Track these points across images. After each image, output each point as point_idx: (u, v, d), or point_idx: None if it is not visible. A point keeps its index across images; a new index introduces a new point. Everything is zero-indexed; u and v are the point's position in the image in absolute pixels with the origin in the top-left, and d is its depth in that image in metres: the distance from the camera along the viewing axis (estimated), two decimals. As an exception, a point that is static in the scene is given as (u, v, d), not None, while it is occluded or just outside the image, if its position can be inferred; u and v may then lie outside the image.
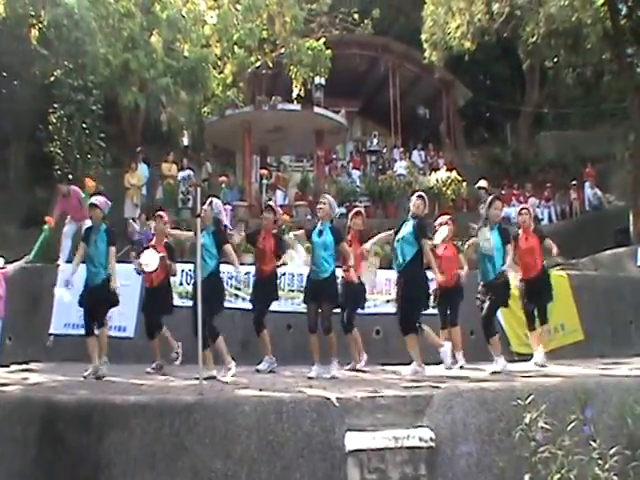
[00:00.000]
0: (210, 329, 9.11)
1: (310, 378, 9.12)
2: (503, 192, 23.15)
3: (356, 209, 11.28)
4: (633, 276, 15.70)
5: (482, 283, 9.73)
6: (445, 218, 11.21)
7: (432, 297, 10.21)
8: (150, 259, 10.08)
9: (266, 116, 21.04)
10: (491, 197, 10.13)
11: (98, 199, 9.94)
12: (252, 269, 12.02)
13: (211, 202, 9.79)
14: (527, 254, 10.73)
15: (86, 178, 16.35)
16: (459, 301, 10.86)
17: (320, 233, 9.71)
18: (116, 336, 11.80)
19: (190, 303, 10.09)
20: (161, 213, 10.90)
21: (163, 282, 10.48)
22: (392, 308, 11.11)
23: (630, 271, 16.38)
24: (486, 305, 9.47)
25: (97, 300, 9.52)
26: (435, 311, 10.74)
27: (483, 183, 16.62)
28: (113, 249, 9.68)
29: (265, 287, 10.57)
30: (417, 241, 9.29)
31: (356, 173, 24.55)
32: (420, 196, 9.77)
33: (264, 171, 20.91)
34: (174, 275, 10.87)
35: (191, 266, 10.46)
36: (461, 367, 10.47)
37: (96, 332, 9.52)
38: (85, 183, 15.82)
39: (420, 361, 9.35)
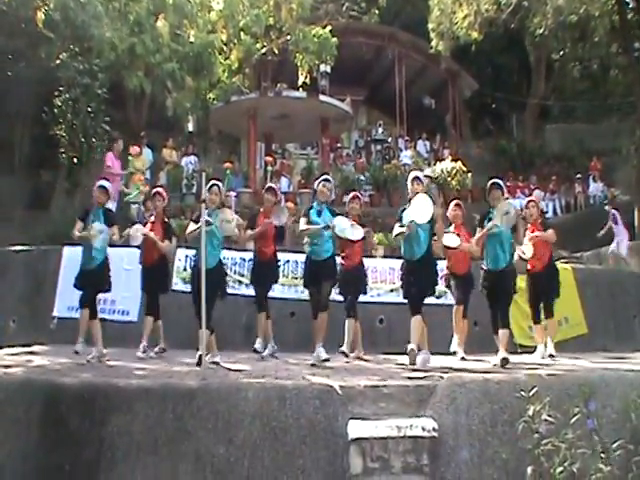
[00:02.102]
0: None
1: (313, 365, 9.11)
2: (508, 184, 23.07)
3: (352, 193, 11.10)
4: (637, 271, 15.68)
5: (490, 269, 9.49)
6: (453, 203, 11.15)
7: (441, 284, 10.17)
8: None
9: (271, 103, 20.97)
10: (490, 184, 9.85)
11: (110, 186, 9.92)
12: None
13: (215, 185, 9.64)
14: (536, 247, 10.62)
15: (131, 146, 16.82)
16: (471, 289, 10.65)
17: (319, 213, 9.69)
18: (119, 320, 11.86)
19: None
20: (160, 190, 10.80)
21: (158, 261, 10.40)
22: (396, 297, 11.10)
23: (634, 266, 16.37)
24: (502, 302, 9.38)
25: (91, 285, 9.50)
26: (441, 301, 10.67)
27: (428, 171, 16.54)
28: (115, 228, 9.59)
29: (265, 269, 10.47)
30: (431, 226, 9.12)
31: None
32: (415, 178, 9.48)
33: (269, 158, 20.87)
34: (174, 249, 10.74)
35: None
36: (462, 359, 10.40)
37: (76, 314, 9.54)
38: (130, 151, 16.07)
39: (427, 347, 9.28)
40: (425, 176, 15.74)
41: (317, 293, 9.62)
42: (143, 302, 11.09)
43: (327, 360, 9.15)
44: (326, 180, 9.97)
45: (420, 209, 9.03)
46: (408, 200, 9.46)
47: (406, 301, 9.33)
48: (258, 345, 10.24)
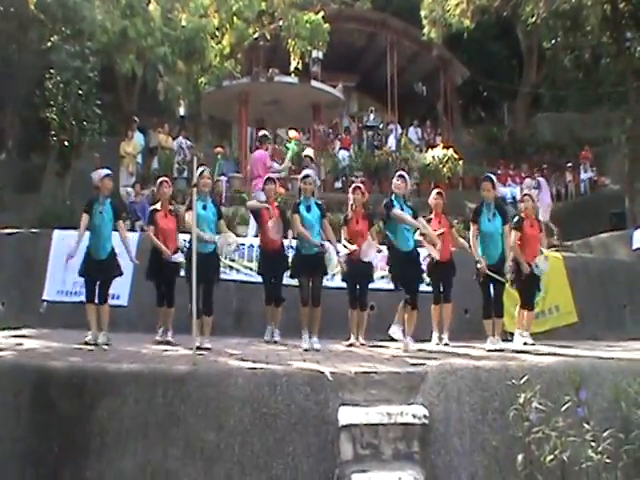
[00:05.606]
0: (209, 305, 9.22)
1: (306, 350, 9.14)
2: (499, 172, 23.15)
3: (354, 185, 10.96)
4: (627, 260, 15.70)
5: (486, 264, 9.64)
6: (435, 192, 11.21)
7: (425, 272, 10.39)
8: None
9: (263, 88, 20.93)
10: (482, 177, 10.11)
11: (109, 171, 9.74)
12: (247, 241, 12.06)
13: (205, 170, 9.63)
14: (531, 241, 10.58)
15: (289, 130, 17.09)
16: (452, 276, 10.71)
17: (308, 209, 9.71)
18: (110, 304, 11.79)
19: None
20: (165, 179, 10.65)
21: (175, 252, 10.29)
22: (387, 284, 11.09)
23: (624, 255, 16.38)
24: (496, 291, 9.74)
25: (104, 274, 9.45)
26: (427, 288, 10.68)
27: (309, 151, 16.52)
28: (121, 223, 9.53)
29: (275, 260, 10.42)
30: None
31: (345, 153, 23.93)
32: (401, 176, 9.92)
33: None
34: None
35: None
36: (446, 344, 10.40)
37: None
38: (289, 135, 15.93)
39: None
40: (305, 156, 15.79)
41: (308, 284, 9.68)
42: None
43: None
44: (306, 176, 9.93)
45: None
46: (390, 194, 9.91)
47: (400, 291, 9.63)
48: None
